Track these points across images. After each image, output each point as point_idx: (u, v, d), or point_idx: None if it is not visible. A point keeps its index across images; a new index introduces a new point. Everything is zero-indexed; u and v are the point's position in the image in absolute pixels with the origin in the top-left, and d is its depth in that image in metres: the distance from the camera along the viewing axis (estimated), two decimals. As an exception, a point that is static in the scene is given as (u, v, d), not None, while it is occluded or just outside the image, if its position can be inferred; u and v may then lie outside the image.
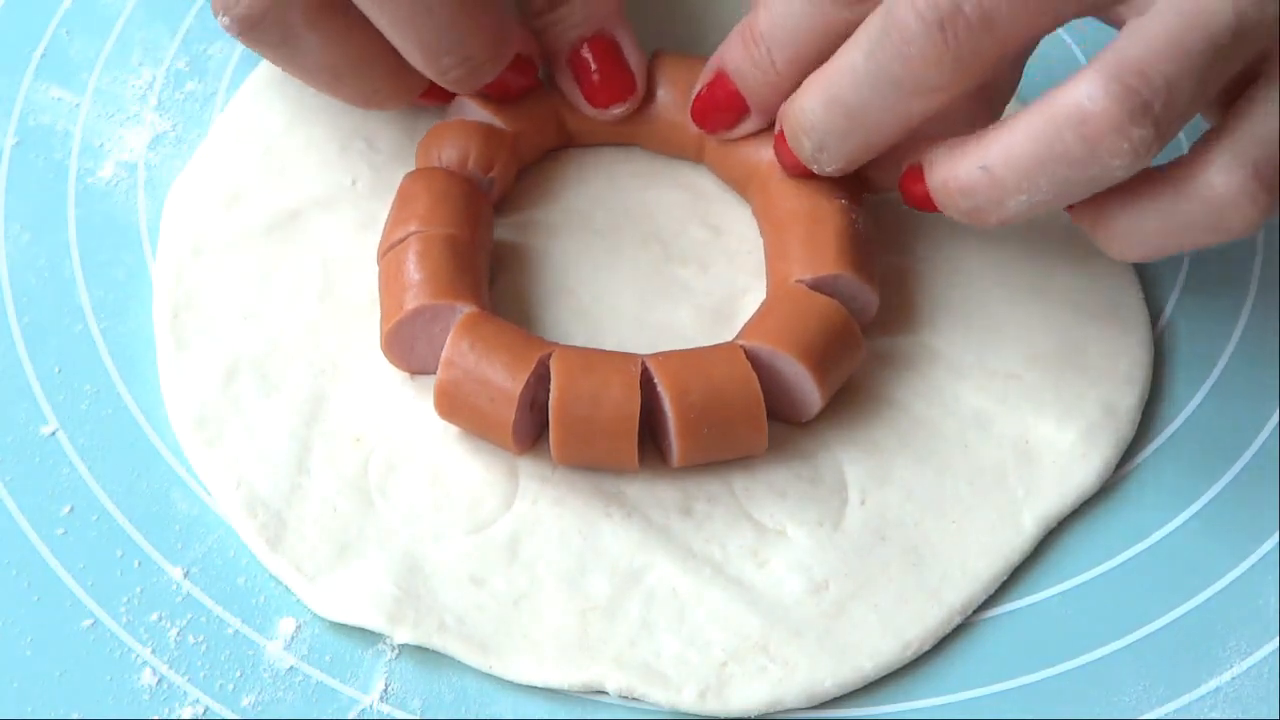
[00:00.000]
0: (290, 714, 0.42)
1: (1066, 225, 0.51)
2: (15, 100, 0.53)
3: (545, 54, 0.49)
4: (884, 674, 0.43)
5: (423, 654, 0.43)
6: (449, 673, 0.43)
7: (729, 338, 0.45)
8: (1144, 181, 0.41)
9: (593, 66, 0.49)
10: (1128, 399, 0.48)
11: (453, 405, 0.44)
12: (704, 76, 0.48)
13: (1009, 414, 0.47)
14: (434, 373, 0.45)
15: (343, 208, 0.50)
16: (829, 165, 0.46)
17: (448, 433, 0.46)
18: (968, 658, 0.44)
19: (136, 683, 0.42)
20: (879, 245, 0.48)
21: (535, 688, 0.43)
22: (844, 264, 0.46)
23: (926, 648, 0.44)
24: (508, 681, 0.43)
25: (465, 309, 0.45)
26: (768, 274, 0.48)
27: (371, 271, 0.47)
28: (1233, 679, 0.44)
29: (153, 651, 0.43)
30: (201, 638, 0.43)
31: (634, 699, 0.43)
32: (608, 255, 0.49)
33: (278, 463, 0.45)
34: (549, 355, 0.44)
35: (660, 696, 0.42)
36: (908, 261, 0.50)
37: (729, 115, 0.48)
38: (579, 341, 0.47)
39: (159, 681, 0.42)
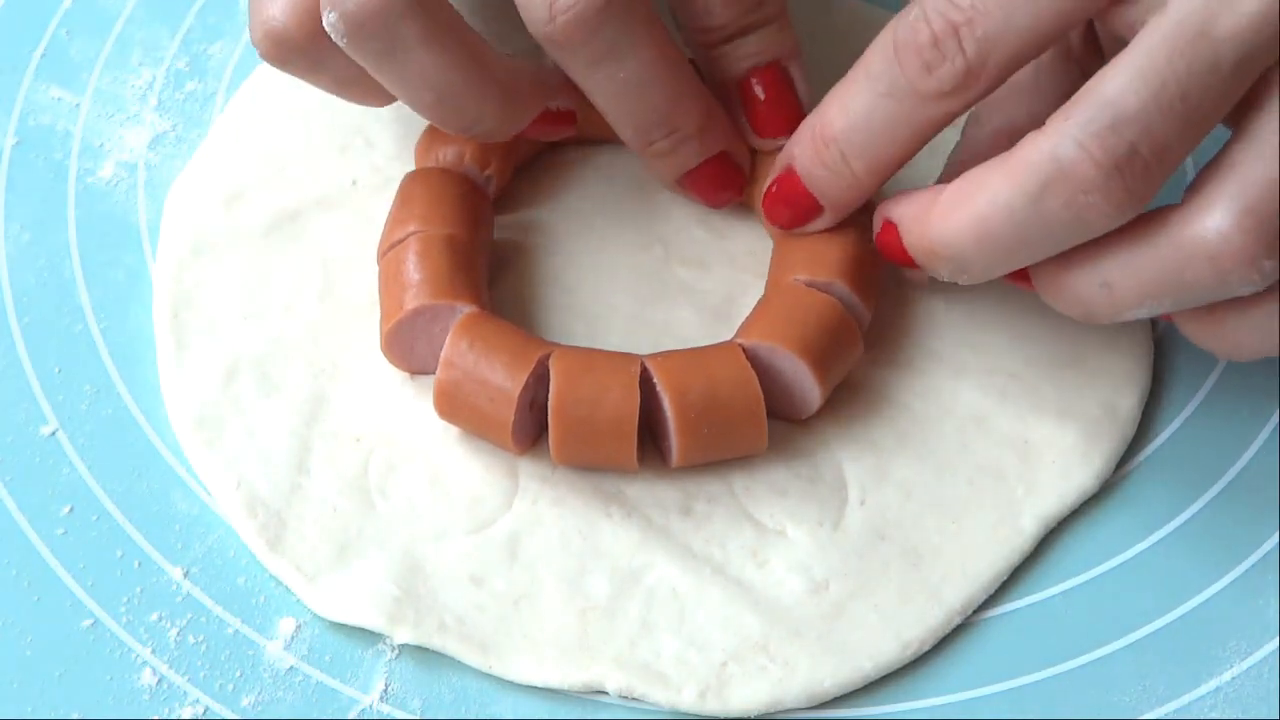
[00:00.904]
0: (290, 714, 0.42)
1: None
2: (15, 100, 0.53)
3: (714, 81, 0.46)
4: (884, 674, 0.43)
5: (423, 654, 0.43)
6: (449, 673, 0.43)
7: (729, 338, 0.45)
8: (1131, 232, 0.40)
9: (761, 96, 0.46)
10: (1128, 399, 0.48)
11: (452, 405, 0.44)
12: (774, 171, 0.46)
13: (1009, 413, 0.47)
14: (434, 373, 0.45)
15: (343, 208, 0.50)
16: (964, 282, 0.43)
17: (448, 433, 0.46)
18: (968, 658, 0.44)
19: (136, 683, 0.42)
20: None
21: (535, 688, 0.43)
22: (841, 272, 0.45)
23: (926, 648, 0.44)
24: (508, 681, 0.43)
25: (465, 309, 0.45)
26: (770, 273, 0.48)
27: (371, 271, 0.47)
28: (1233, 679, 0.44)
29: (153, 651, 0.43)
30: (201, 638, 0.43)
31: (634, 699, 0.43)
32: (608, 255, 0.49)
33: (278, 463, 0.45)
34: (548, 355, 0.44)
35: (660, 696, 0.42)
36: (908, 261, 0.50)
37: (801, 214, 0.45)
38: (579, 341, 0.47)
39: (159, 681, 0.42)
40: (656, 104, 0.45)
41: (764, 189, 0.46)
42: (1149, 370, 0.49)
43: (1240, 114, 0.39)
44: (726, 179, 0.48)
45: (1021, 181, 0.39)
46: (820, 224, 0.46)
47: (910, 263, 0.44)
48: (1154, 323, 0.50)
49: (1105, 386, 0.48)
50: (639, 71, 0.44)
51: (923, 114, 0.41)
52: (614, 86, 0.44)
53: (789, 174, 0.45)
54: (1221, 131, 0.39)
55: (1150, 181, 0.38)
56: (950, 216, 0.41)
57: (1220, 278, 0.38)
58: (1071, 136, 0.38)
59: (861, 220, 0.46)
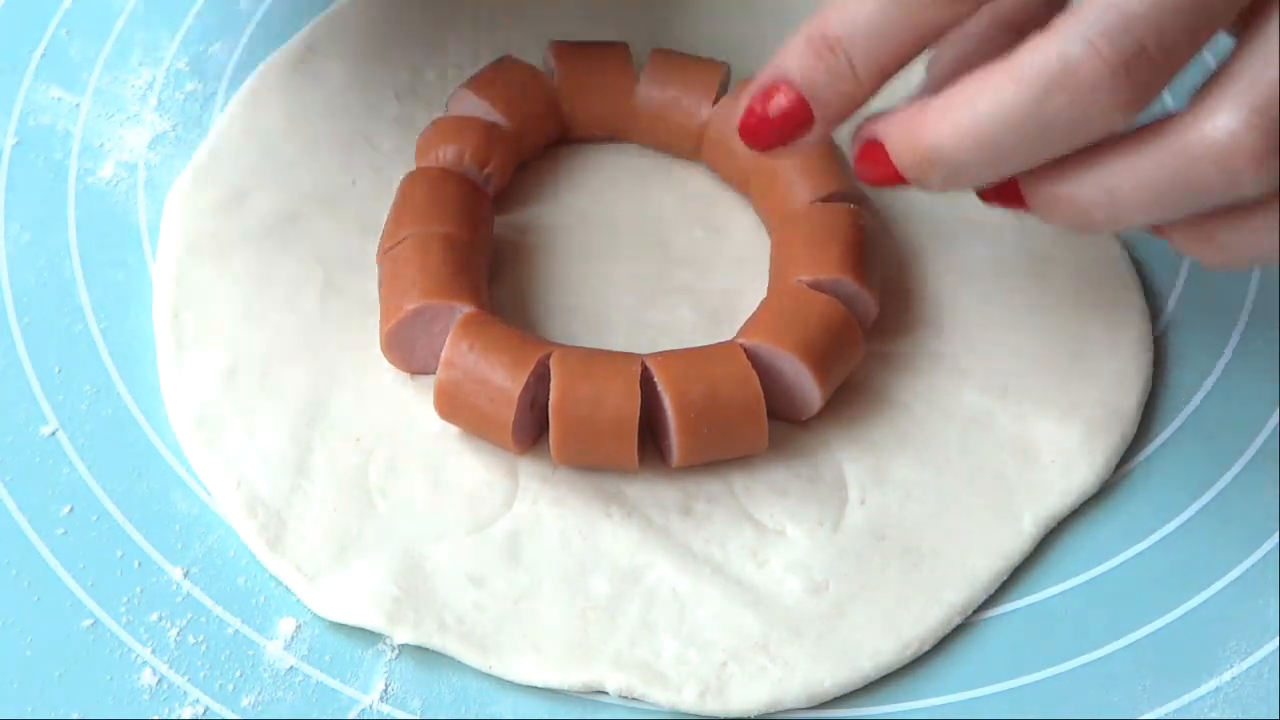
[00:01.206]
0: (290, 714, 0.42)
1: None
2: (15, 100, 0.53)
3: None
4: (884, 674, 0.43)
5: (423, 654, 0.43)
6: (449, 673, 0.43)
7: (729, 338, 0.45)
8: (1137, 138, 0.39)
9: None
10: (1128, 399, 0.48)
11: (453, 405, 0.44)
12: (756, 89, 0.43)
13: (1009, 414, 0.47)
14: (434, 373, 0.45)
15: (343, 208, 0.50)
16: (953, 189, 0.42)
17: (448, 433, 0.46)
18: (968, 658, 0.44)
19: (136, 683, 0.42)
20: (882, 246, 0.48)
21: (535, 688, 0.43)
22: (846, 269, 0.46)
23: (926, 648, 0.44)
24: (508, 681, 0.43)
25: (465, 309, 0.45)
26: (770, 274, 0.48)
27: (371, 272, 0.47)
28: (1233, 679, 0.44)
29: (153, 651, 0.43)
30: (201, 638, 0.43)
31: (634, 699, 0.43)
32: (608, 255, 0.49)
33: (278, 463, 0.45)
34: (549, 355, 0.44)
35: (660, 696, 0.42)
36: (908, 261, 0.50)
37: (789, 130, 0.43)
38: (579, 341, 0.47)
39: (159, 681, 0.42)
40: None
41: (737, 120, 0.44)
42: (1149, 370, 0.49)
43: (1246, 19, 0.39)
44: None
45: (1028, 81, 0.39)
46: (809, 138, 0.43)
47: (895, 179, 0.42)
48: (1154, 321, 0.50)
49: (1106, 386, 0.48)
50: None
51: (928, 16, 0.41)
52: None
53: (776, 84, 0.43)
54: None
55: (1157, 80, 0.38)
56: (948, 120, 0.40)
57: (1229, 179, 0.38)
58: (1080, 35, 0.38)
59: (857, 214, 0.47)
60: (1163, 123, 0.39)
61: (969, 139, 0.40)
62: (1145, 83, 0.38)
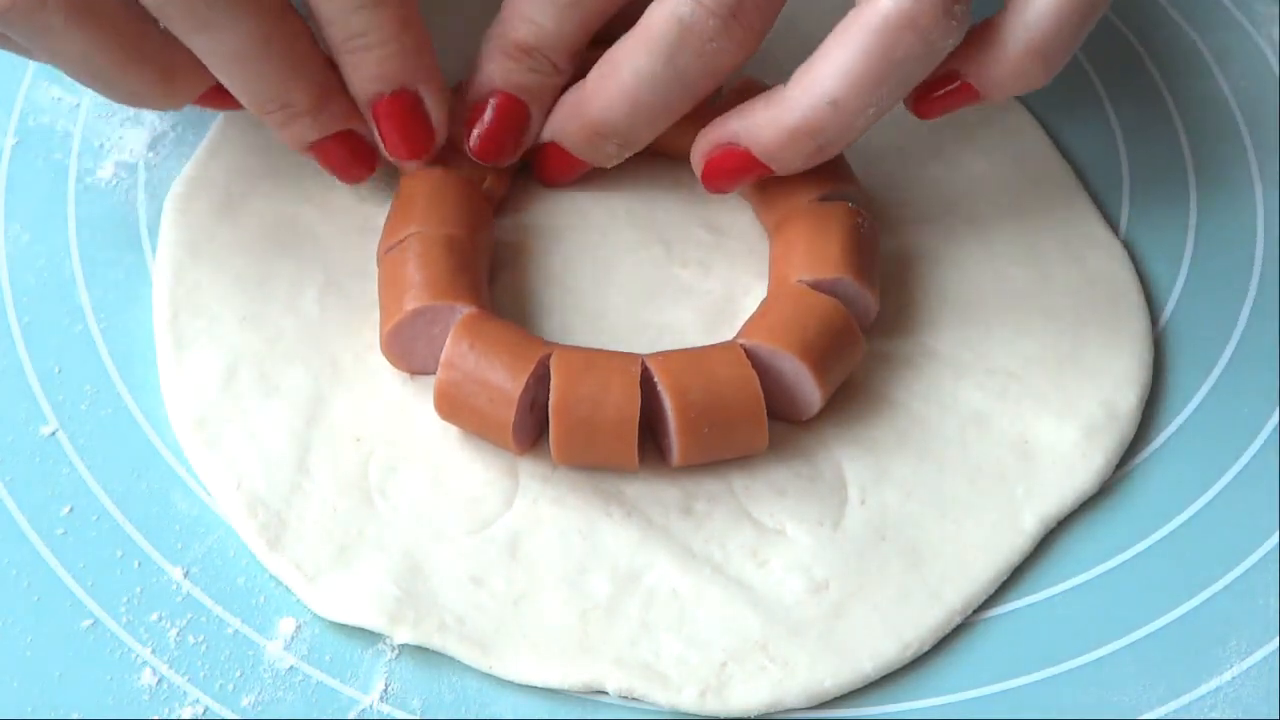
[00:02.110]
0: (290, 714, 0.42)
1: (1065, 225, 0.52)
2: (15, 100, 0.53)
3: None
4: (884, 674, 0.43)
5: (423, 654, 0.43)
6: (449, 673, 0.43)
7: (729, 338, 0.45)
8: (837, 38, 0.43)
9: (385, 122, 0.47)
10: (1128, 399, 0.48)
11: (453, 406, 0.44)
12: (469, 109, 0.47)
13: (1009, 413, 0.47)
14: (434, 373, 0.45)
15: (343, 208, 0.50)
16: (627, 154, 0.48)
17: (448, 433, 0.46)
18: (968, 658, 0.44)
19: (136, 683, 0.42)
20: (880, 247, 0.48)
21: (535, 688, 0.43)
22: (846, 268, 0.46)
23: (926, 648, 0.44)
24: (508, 681, 0.43)
25: (465, 309, 0.45)
26: (770, 274, 0.48)
27: (371, 272, 0.47)
28: (1233, 679, 0.44)
29: (153, 651, 0.43)
30: (201, 638, 0.43)
31: (634, 699, 0.43)
32: (608, 255, 0.49)
33: (278, 463, 0.45)
34: (549, 355, 0.44)
35: (660, 696, 0.42)
36: (907, 261, 0.50)
37: (516, 129, 0.47)
38: (579, 341, 0.47)
39: (159, 681, 0.42)
40: (264, 77, 0.45)
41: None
42: (1149, 369, 0.49)
43: None
44: (353, 157, 0.48)
45: (655, 46, 0.44)
46: (532, 134, 0.48)
47: (573, 168, 0.48)
48: (1154, 321, 0.50)
49: (1105, 385, 0.48)
50: (241, 44, 0.44)
51: (599, 4, 0.46)
52: (217, 57, 0.44)
53: (486, 99, 0.47)
54: None
55: (765, 17, 0.43)
56: (602, 97, 0.45)
57: (924, 41, 0.41)
58: None
59: (856, 214, 0.47)
60: (847, 21, 0.42)
61: (624, 106, 0.45)
62: (753, 22, 0.43)
